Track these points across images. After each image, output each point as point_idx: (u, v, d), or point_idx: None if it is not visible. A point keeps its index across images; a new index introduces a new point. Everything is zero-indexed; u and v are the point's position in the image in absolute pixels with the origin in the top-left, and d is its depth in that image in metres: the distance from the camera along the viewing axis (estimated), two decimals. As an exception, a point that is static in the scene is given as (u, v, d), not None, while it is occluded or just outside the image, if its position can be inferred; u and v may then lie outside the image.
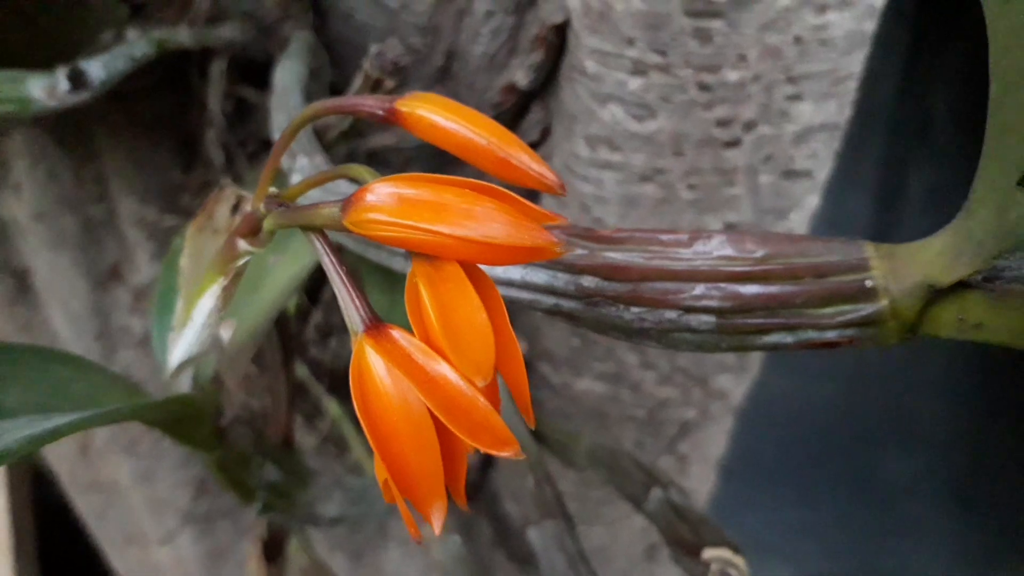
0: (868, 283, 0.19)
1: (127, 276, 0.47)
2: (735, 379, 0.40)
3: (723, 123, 0.31)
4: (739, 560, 0.26)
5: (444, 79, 0.39)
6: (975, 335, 0.18)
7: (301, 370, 0.44)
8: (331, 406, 0.44)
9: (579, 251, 0.21)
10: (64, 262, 0.45)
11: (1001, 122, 0.17)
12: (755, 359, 0.40)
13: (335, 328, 0.42)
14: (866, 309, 0.19)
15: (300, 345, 0.43)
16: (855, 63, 0.33)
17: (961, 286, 0.18)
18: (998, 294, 0.17)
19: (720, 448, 0.45)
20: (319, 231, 0.18)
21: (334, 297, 0.43)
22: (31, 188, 0.44)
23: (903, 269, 0.19)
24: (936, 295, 0.18)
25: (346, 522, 0.34)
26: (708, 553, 0.26)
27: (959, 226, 0.18)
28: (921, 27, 0.91)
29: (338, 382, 0.45)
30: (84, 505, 0.57)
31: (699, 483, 0.45)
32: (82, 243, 0.45)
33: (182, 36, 0.36)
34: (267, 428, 0.32)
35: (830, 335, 0.20)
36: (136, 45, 0.35)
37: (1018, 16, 0.16)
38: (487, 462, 0.46)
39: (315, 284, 0.44)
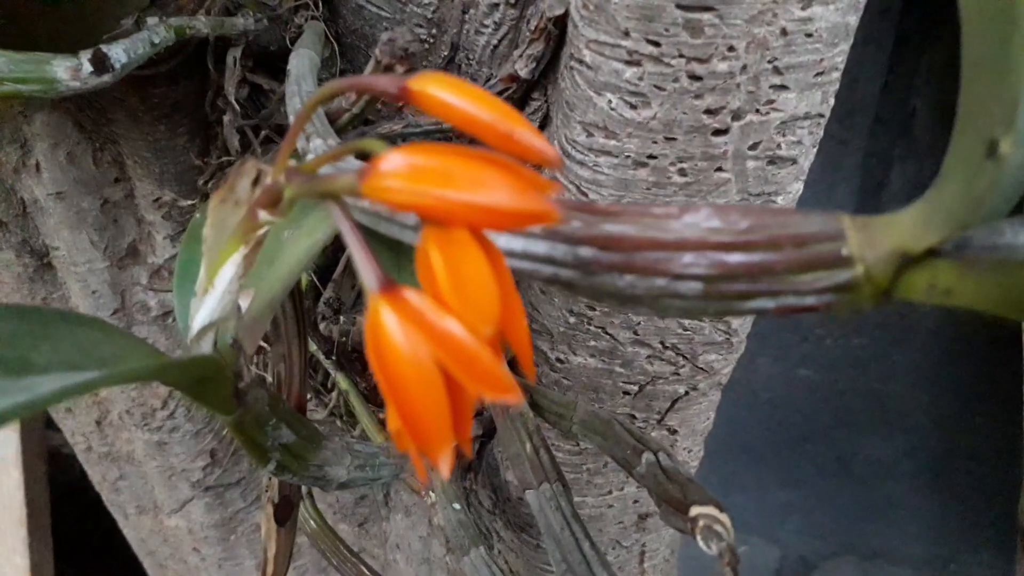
0: (844, 251, 0.21)
1: (144, 255, 0.49)
2: (722, 356, 0.42)
3: (712, 111, 0.33)
4: (724, 517, 0.27)
5: (449, 69, 0.41)
6: (944, 300, 0.20)
7: (311, 347, 0.46)
8: (339, 380, 0.46)
9: (577, 223, 0.23)
10: (83, 241, 0.47)
11: (970, 100, 0.18)
12: (742, 337, 0.42)
13: (343, 306, 0.44)
14: (842, 275, 0.21)
15: (310, 323, 0.45)
16: (839, 55, 0.34)
17: (932, 254, 0.19)
18: (966, 262, 0.19)
19: (708, 422, 0.47)
20: (337, 198, 0.19)
21: (342, 275, 0.45)
22: (51, 169, 0.46)
23: (877, 238, 0.20)
24: (908, 262, 0.20)
25: (354, 486, 0.36)
26: (695, 510, 0.28)
27: (930, 197, 0.20)
28: (905, 26, 0.93)
29: (345, 358, 0.47)
30: (98, 476, 0.59)
31: (687, 455, 0.47)
32: (101, 223, 0.47)
33: (199, 24, 0.38)
34: (282, 394, 0.34)
35: (809, 300, 0.21)
36: (156, 31, 0.36)
37: (985, 1, 0.18)
38: (487, 434, 0.48)
39: (324, 265, 0.46)
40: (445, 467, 0.19)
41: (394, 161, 0.18)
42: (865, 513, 1.11)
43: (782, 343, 1.12)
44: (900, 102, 0.99)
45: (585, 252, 0.23)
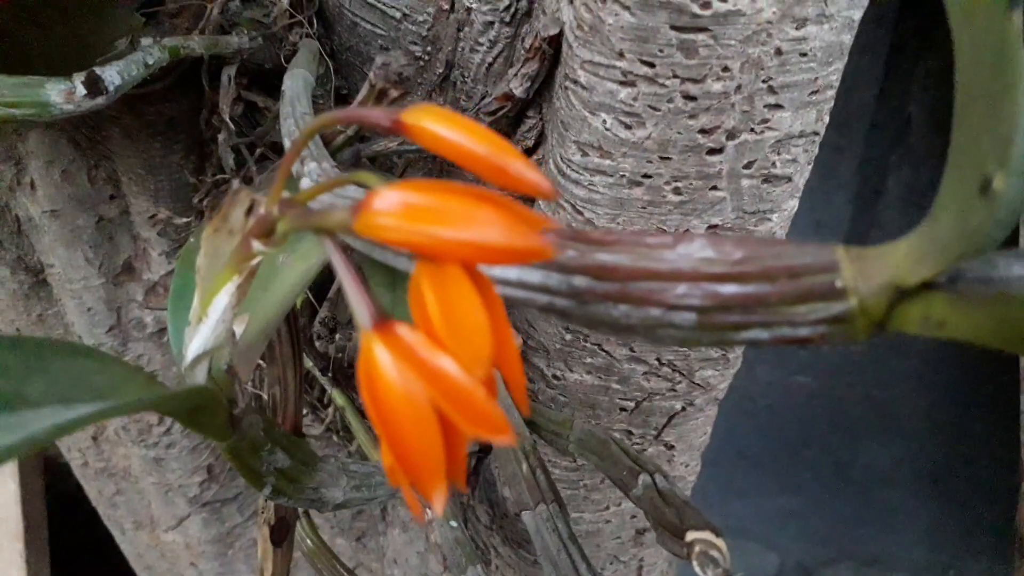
0: (838, 283, 0.21)
1: (140, 272, 0.49)
2: (719, 372, 0.42)
3: (707, 131, 0.33)
4: (720, 542, 0.27)
5: (444, 86, 0.40)
6: (938, 332, 0.20)
7: (306, 363, 0.46)
8: (336, 396, 0.45)
9: (571, 253, 0.23)
10: (78, 258, 0.47)
11: (964, 133, 0.18)
12: (738, 353, 0.42)
13: (339, 324, 0.44)
14: (836, 307, 0.21)
15: (306, 339, 0.45)
16: (833, 74, 0.34)
17: (926, 286, 0.19)
18: (960, 294, 0.19)
19: (705, 437, 0.47)
20: (330, 233, 0.19)
21: (337, 294, 0.45)
22: (46, 187, 0.46)
23: (871, 270, 0.20)
24: (902, 295, 0.20)
25: (350, 506, 0.36)
26: (691, 535, 0.28)
27: (924, 230, 0.20)
28: (900, 34, 0.93)
29: (342, 374, 0.47)
30: (95, 492, 0.59)
31: (685, 471, 0.47)
32: (96, 240, 0.47)
33: (194, 44, 0.38)
34: (277, 417, 0.34)
35: (803, 331, 0.21)
36: (150, 52, 0.36)
37: (979, 33, 0.18)
38: (484, 451, 0.48)
39: (320, 282, 0.46)
40: (439, 504, 0.19)
41: (387, 199, 0.18)
42: (863, 519, 1.11)
43: (779, 350, 1.12)
44: (896, 109, 0.99)
45: (579, 282, 0.23)
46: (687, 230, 0.37)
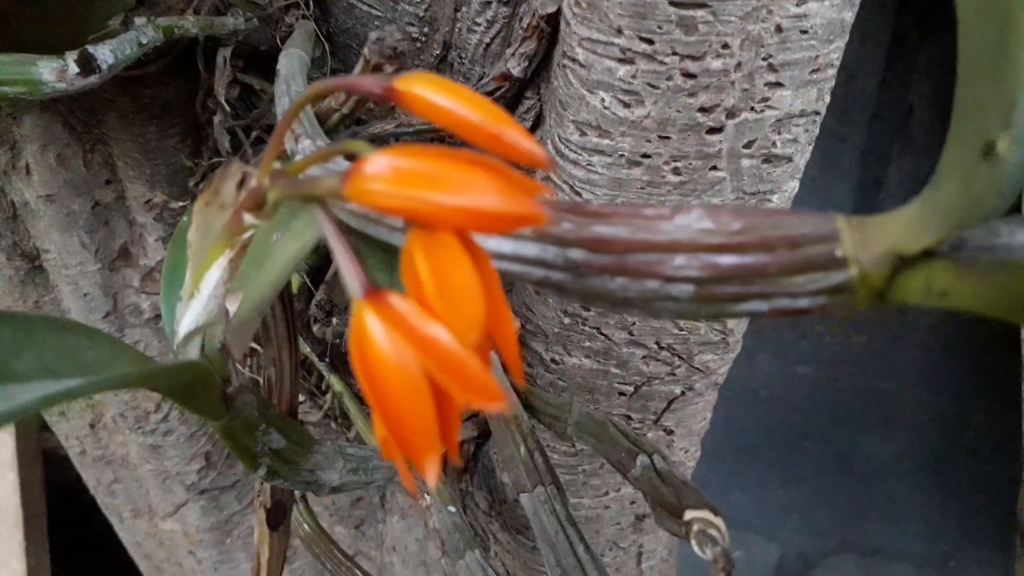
0: (838, 253, 0.20)
1: (136, 257, 0.48)
2: (718, 356, 0.41)
3: (707, 109, 0.33)
4: (719, 521, 0.27)
5: (441, 67, 0.40)
6: (941, 302, 0.19)
7: (304, 349, 0.46)
8: (333, 382, 0.45)
9: (567, 225, 0.23)
10: (74, 244, 0.47)
11: (966, 100, 0.18)
12: (738, 337, 0.42)
13: (336, 307, 0.44)
14: (836, 277, 0.20)
15: (303, 324, 0.44)
16: (834, 52, 0.34)
17: (927, 255, 0.19)
18: (963, 263, 0.19)
19: (704, 423, 0.46)
20: (321, 202, 0.19)
21: (334, 277, 0.45)
22: (41, 172, 0.45)
23: (872, 239, 0.20)
24: (903, 263, 0.20)
25: (347, 489, 0.35)
26: (690, 514, 0.27)
27: (926, 198, 0.19)
28: (902, 23, 0.93)
29: (339, 360, 0.46)
30: (93, 479, 0.59)
31: (684, 456, 0.47)
32: (91, 225, 0.47)
33: (188, 24, 0.37)
34: (272, 398, 0.34)
35: (802, 302, 0.21)
36: (143, 32, 0.36)
37: (981, 1, 0.17)
38: (482, 437, 0.48)
39: (316, 266, 0.46)
40: (432, 476, 0.19)
41: (378, 163, 0.18)
42: (865, 510, 1.11)
43: (781, 340, 1.12)
44: (897, 98, 0.99)
45: (576, 254, 0.22)
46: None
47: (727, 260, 0.21)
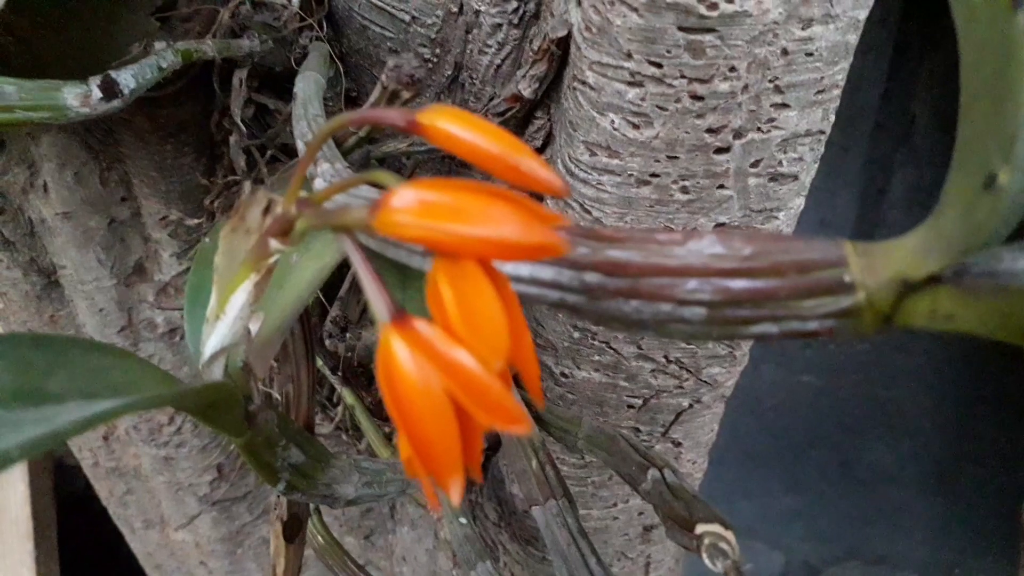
0: (846, 278, 0.21)
1: (151, 273, 0.49)
2: (725, 369, 0.42)
3: (714, 130, 0.34)
4: (729, 534, 0.28)
5: (453, 88, 0.41)
6: (946, 325, 0.20)
7: (317, 362, 0.46)
8: (345, 395, 0.46)
9: (582, 249, 0.24)
10: (90, 260, 0.48)
11: (969, 130, 0.19)
12: (744, 351, 0.42)
13: (349, 323, 0.45)
14: (844, 301, 0.21)
15: (316, 339, 0.45)
16: (839, 73, 0.35)
17: (932, 280, 0.20)
18: (966, 288, 0.19)
19: (712, 435, 0.47)
20: (348, 231, 0.20)
21: (348, 293, 0.46)
22: (58, 189, 0.46)
23: (878, 265, 0.21)
24: (909, 289, 0.20)
25: (361, 503, 0.36)
26: (701, 528, 0.28)
27: (930, 225, 0.20)
28: (905, 34, 0.94)
29: (351, 373, 0.47)
30: (106, 491, 0.59)
31: (692, 468, 0.48)
32: (108, 242, 0.47)
33: (206, 47, 0.38)
34: (290, 414, 0.35)
35: (811, 325, 0.22)
36: (163, 56, 0.37)
37: (984, 32, 0.18)
38: (492, 448, 0.49)
39: (330, 283, 0.47)
40: (456, 494, 0.19)
41: (405, 197, 0.18)
42: (869, 518, 1.11)
43: (785, 349, 1.12)
44: (900, 109, 1.00)
45: (591, 278, 0.23)
46: (695, 228, 0.37)
47: (739, 284, 0.21)
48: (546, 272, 0.24)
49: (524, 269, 0.24)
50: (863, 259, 0.20)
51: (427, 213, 0.18)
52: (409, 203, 0.18)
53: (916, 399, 1.12)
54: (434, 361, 0.18)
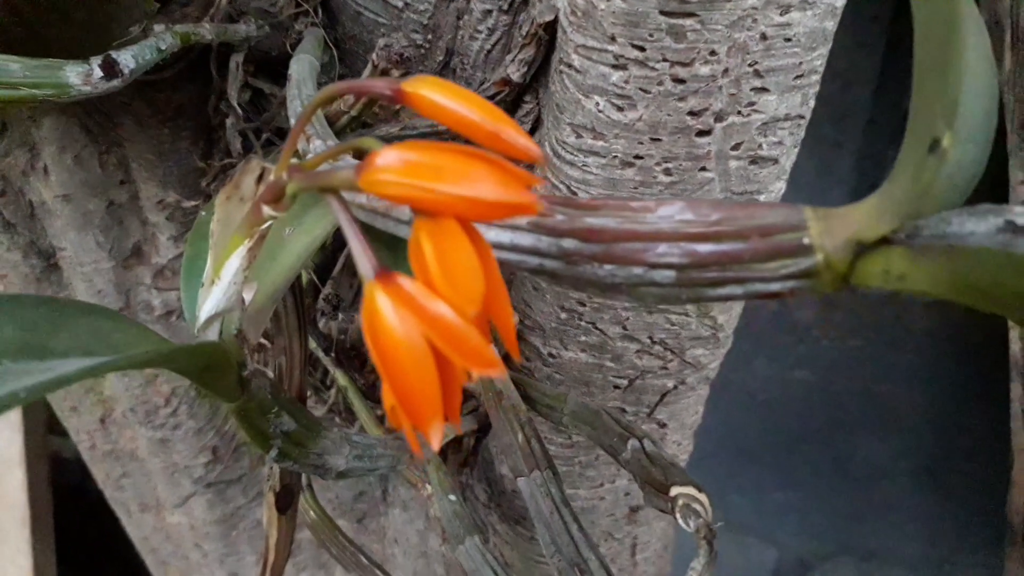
0: (805, 240, 0.22)
1: (149, 255, 0.50)
2: (709, 351, 0.43)
3: (695, 113, 0.35)
4: (702, 496, 0.29)
5: (444, 73, 0.42)
6: (899, 285, 0.21)
7: (310, 344, 0.47)
8: (338, 377, 0.47)
9: (560, 217, 0.25)
10: (89, 242, 0.49)
11: (919, 100, 0.20)
12: (728, 333, 0.43)
13: (342, 302, 0.46)
14: (803, 263, 0.22)
15: (310, 320, 0.46)
16: (818, 59, 0.36)
17: (885, 242, 0.21)
18: (918, 249, 0.20)
19: (696, 416, 0.48)
20: (336, 192, 0.21)
21: (341, 273, 0.47)
22: (58, 172, 0.47)
23: (835, 228, 0.22)
24: (863, 250, 0.22)
25: (352, 475, 0.37)
26: (675, 491, 0.29)
27: (884, 191, 0.21)
28: (896, 31, 0.95)
29: (344, 355, 0.48)
30: (102, 474, 0.60)
31: (677, 449, 0.49)
32: (106, 224, 0.48)
33: (204, 31, 0.39)
34: (283, 384, 0.36)
35: (774, 286, 0.23)
36: (162, 38, 0.38)
37: (932, 11, 0.19)
38: (482, 430, 0.50)
39: (323, 264, 0.48)
40: (436, 439, 0.20)
41: (389, 157, 0.19)
42: (862, 514, 1.12)
43: (778, 344, 1.13)
44: (893, 105, 1.01)
45: (568, 243, 0.24)
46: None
47: (705, 248, 0.22)
48: (526, 239, 0.25)
49: (506, 236, 0.25)
50: (822, 223, 0.22)
51: (409, 172, 0.19)
52: (392, 163, 0.19)
53: (908, 395, 1.13)
54: (416, 313, 0.19)
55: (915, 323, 1.11)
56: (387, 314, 0.20)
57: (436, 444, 0.20)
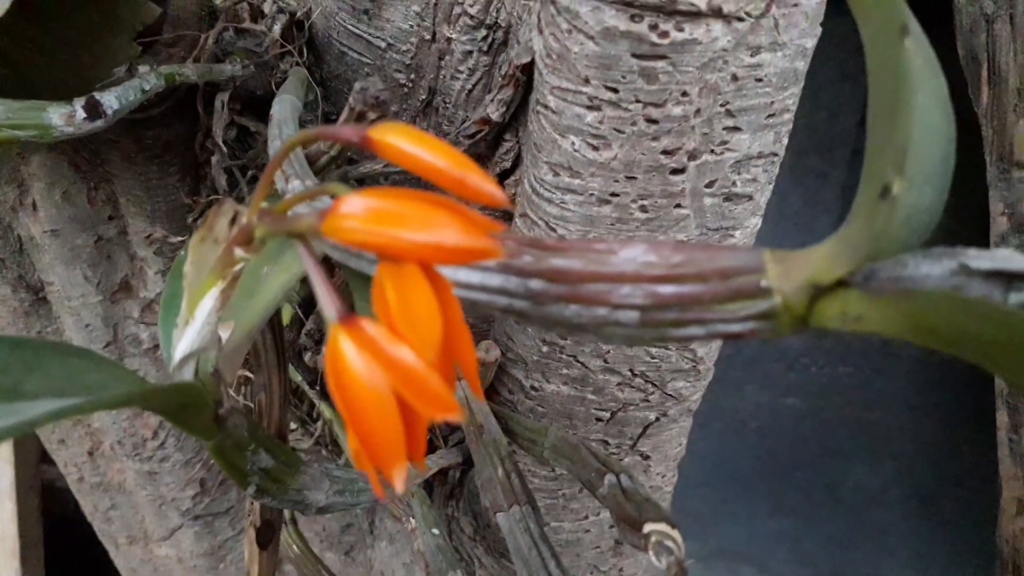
0: (763, 283, 0.23)
1: (136, 290, 0.50)
2: (690, 383, 0.43)
3: (669, 152, 0.35)
4: (675, 533, 0.29)
5: (427, 111, 0.43)
6: (856, 326, 0.22)
7: (295, 377, 0.48)
8: (324, 409, 0.47)
9: (528, 258, 0.25)
10: (77, 277, 0.49)
11: (872, 146, 0.21)
12: (709, 365, 0.44)
13: (324, 336, 0.46)
14: (762, 305, 0.23)
15: (295, 354, 0.46)
16: (789, 98, 0.36)
17: (842, 284, 0.22)
18: (873, 291, 0.21)
19: (680, 448, 0.48)
20: (302, 237, 0.21)
21: (325, 308, 0.47)
22: (47, 208, 0.48)
23: (793, 271, 0.22)
24: (820, 292, 0.22)
25: (333, 510, 0.37)
26: (648, 527, 0.29)
27: (840, 234, 0.22)
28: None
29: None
30: (90, 506, 0.60)
31: (661, 481, 0.49)
32: (94, 259, 0.49)
33: (188, 71, 0.40)
34: (262, 421, 0.36)
35: (734, 327, 0.23)
36: (147, 79, 0.39)
37: (881, 55, 0.20)
38: (467, 463, 0.50)
39: (308, 299, 0.48)
40: (399, 482, 0.21)
41: (353, 204, 0.20)
42: (854, 540, 1.12)
43: (768, 372, 1.14)
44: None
45: (535, 284, 0.25)
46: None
47: (667, 290, 0.23)
48: (495, 279, 0.25)
49: (475, 276, 0.25)
50: (780, 266, 0.22)
51: (372, 219, 0.20)
52: (356, 210, 0.20)
53: (898, 422, 1.13)
54: (378, 357, 0.19)
55: (904, 350, 1.12)
56: (350, 357, 0.20)
57: (400, 486, 0.21)
